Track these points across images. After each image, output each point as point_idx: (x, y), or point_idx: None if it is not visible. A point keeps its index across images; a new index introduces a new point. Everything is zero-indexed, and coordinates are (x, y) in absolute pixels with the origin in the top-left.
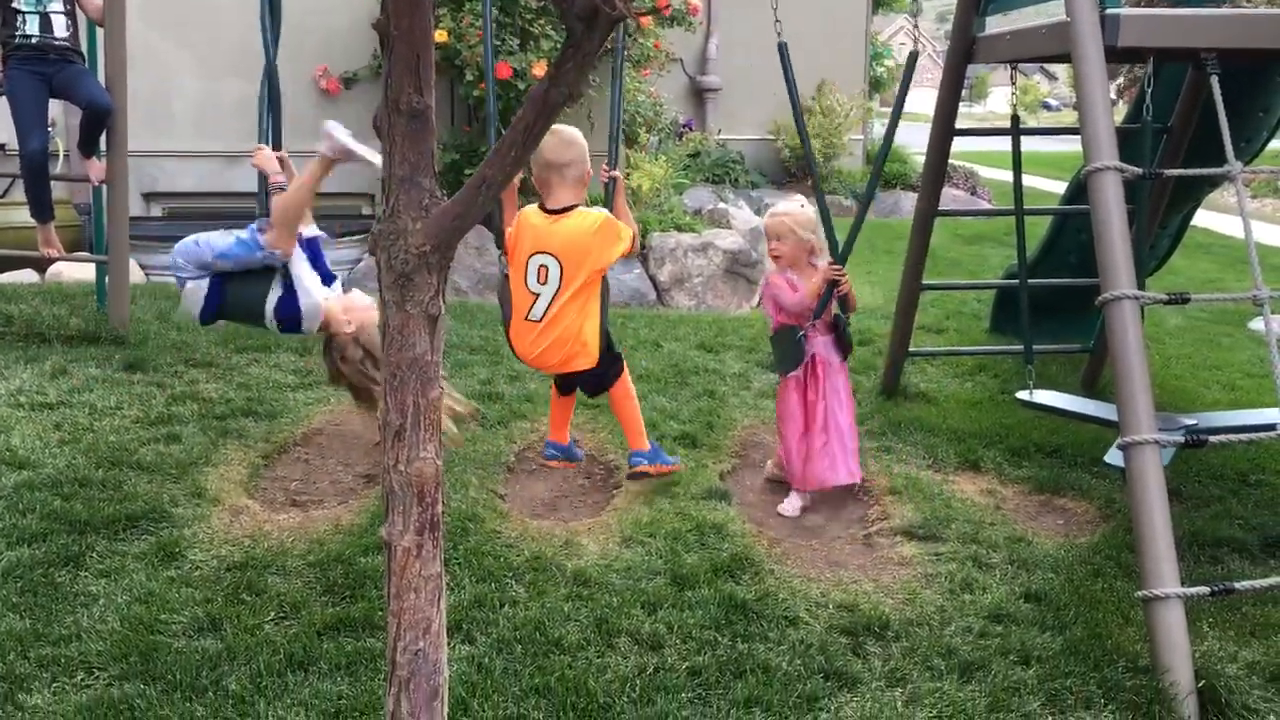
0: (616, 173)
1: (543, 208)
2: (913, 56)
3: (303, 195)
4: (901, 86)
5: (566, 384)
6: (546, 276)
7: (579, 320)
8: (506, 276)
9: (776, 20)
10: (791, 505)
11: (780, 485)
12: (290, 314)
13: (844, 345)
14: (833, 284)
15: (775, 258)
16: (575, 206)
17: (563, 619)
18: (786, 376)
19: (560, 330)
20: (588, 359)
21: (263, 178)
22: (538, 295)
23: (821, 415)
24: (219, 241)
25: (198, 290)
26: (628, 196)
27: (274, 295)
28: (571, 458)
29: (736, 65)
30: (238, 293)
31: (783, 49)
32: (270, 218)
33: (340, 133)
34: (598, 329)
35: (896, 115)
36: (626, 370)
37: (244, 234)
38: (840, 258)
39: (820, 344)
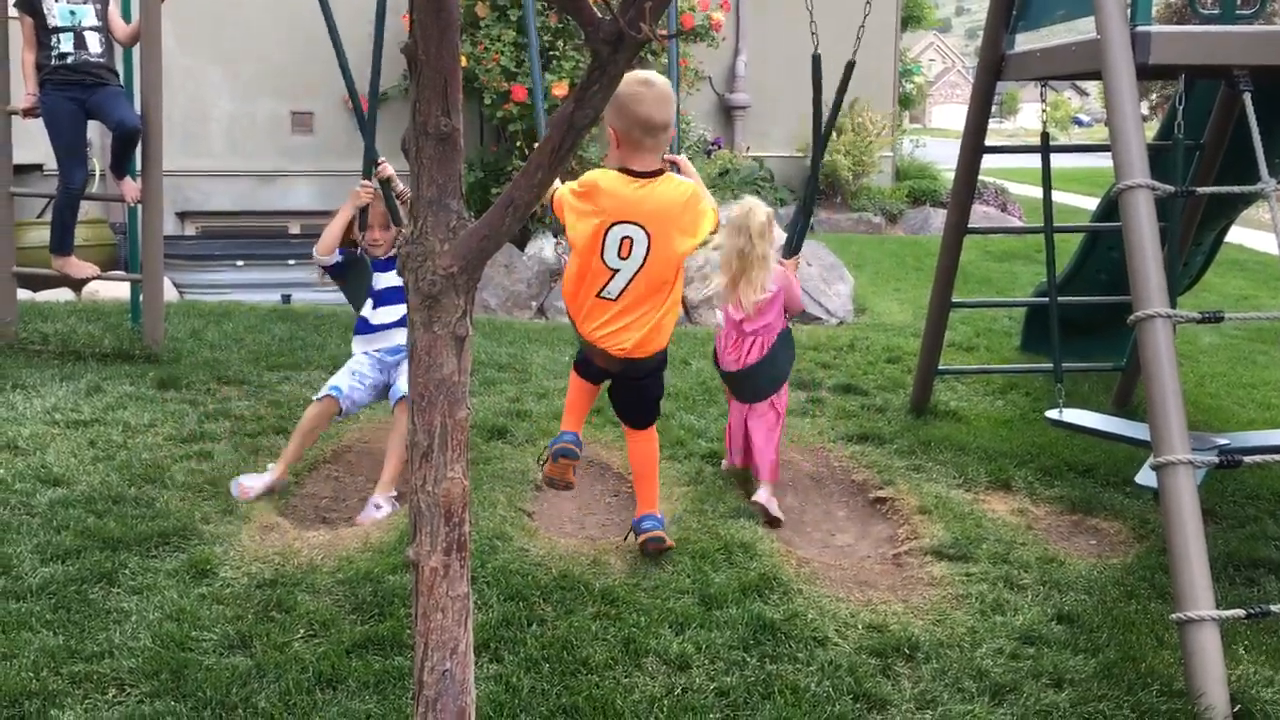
0: (679, 157)
1: (626, 170)
2: (849, 65)
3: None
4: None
5: (599, 376)
6: (630, 250)
7: (661, 314)
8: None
9: (814, 32)
10: (769, 498)
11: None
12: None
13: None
14: None
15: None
16: (663, 171)
17: (590, 638)
18: None
19: (639, 314)
20: (660, 343)
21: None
22: (616, 271)
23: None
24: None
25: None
26: None
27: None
28: (577, 454)
29: (765, 83)
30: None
31: (816, 60)
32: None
33: None
34: (675, 320)
35: (833, 116)
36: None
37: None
38: (794, 248)
39: None
